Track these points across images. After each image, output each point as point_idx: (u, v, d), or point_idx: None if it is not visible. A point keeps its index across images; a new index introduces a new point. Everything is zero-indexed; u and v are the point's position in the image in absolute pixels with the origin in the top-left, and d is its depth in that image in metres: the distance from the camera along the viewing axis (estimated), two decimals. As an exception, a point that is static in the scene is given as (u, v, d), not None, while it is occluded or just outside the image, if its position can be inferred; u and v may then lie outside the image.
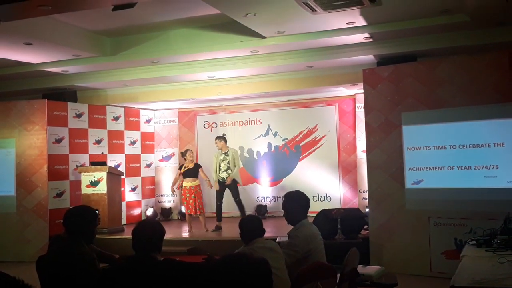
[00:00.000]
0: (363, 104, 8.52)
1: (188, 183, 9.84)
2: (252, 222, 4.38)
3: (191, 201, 9.76)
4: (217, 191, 9.92)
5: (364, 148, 8.68)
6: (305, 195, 4.76)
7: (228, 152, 9.97)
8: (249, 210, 10.87)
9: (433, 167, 7.45)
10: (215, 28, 8.42)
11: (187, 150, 10.23)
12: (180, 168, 10.06)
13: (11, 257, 9.34)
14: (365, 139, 8.29)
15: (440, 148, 7.44)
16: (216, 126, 12.47)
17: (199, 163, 10.35)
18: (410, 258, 7.45)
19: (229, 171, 9.89)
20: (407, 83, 7.80)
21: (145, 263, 3.11)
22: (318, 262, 4.26)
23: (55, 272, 3.52)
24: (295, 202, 4.71)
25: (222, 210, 9.99)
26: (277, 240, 5.15)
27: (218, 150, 10.05)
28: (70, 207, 3.90)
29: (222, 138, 10.11)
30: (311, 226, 4.71)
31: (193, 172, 9.87)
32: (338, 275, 3.87)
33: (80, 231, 3.70)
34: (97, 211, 4.03)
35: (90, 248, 3.84)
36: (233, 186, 9.90)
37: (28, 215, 9.68)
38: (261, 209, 11.56)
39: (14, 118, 9.92)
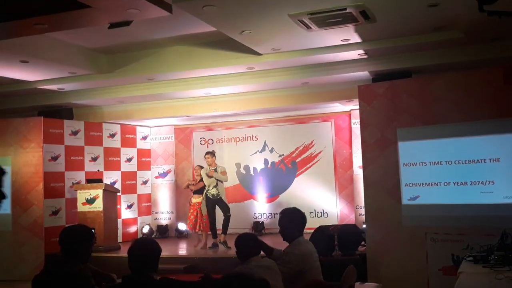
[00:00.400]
0: (358, 120, 8.53)
1: (196, 199, 10.02)
2: (248, 240, 4.36)
3: (192, 217, 9.89)
4: (208, 209, 9.74)
5: (361, 163, 8.67)
6: (301, 212, 4.74)
7: (216, 169, 9.83)
8: (246, 226, 10.84)
9: (429, 183, 7.45)
10: (211, 45, 8.45)
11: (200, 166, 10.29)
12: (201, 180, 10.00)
13: (6, 275, 9.25)
14: (361, 155, 8.29)
15: (436, 164, 7.45)
16: (212, 143, 12.46)
17: None
18: (408, 275, 7.41)
19: (218, 187, 9.73)
20: (402, 99, 7.82)
21: (142, 282, 3.09)
22: (315, 280, 4.24)
23: None
24: (291, 219, 4.69)
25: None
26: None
27: (208, 165, 9.91)
28: (66, 226, 3.86)
29: (213, 154, 10.05)
30: (307, 243, 4.69)
31: (202, 188, 9.95)
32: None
33: (76, 250, 3.66)
34: (93, 230, 4.01)
35: (86, 267, 3.81)
36: (221, 202, 9.78)
37: (23, 233, 9.61)
38: (258, 226, 11.52)
39: (10, 136, 9.89)
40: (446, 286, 6.47)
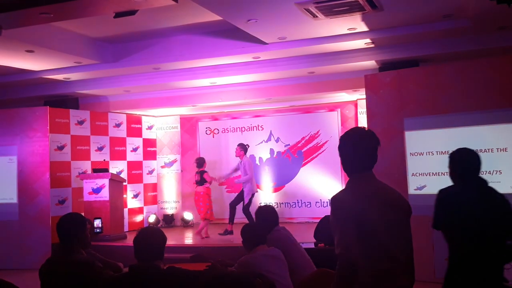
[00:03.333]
0: (365, 110, 8.50)
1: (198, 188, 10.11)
2: (254, 230, 4.37)
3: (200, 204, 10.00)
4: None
5: (367, 153, 8.63)
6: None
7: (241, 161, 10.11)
8: (252, 216, 10.83)
9: (436, 173, 7.42)
10: (216, 35, 8.42)
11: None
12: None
13: (13, 264, 9.32)
14: (367, 145, 8.24)
15: (443, 154, 7.41)
16: (218, 132, 12.46)
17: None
18: (414, 264, 7.40)
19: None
20: (409, 88, 7.78)
21: (149, 271, 3.09)
22: (322, 269, 4.24)
23: (55, 281, 3.52)
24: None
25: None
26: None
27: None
28: (59, 218, 3.89)
29: (242, 146, 10.16)
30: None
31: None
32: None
33: (72, 238, 3.72)
34: (100, 219, 4.04)
35: (91, 255, 3.83)
36: (240, 193, 10.04)
37: (30, 222, 9.66)
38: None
39: (16, 126, 9.91)
40: None
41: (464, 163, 3.71)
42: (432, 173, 7.47)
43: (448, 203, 3.52)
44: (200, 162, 10.13)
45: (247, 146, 10.26)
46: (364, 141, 2.74)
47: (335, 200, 2.60)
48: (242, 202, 9.97)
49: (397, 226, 2.60)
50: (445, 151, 7.43)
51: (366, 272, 2.48)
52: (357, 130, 2.87)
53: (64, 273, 3.52)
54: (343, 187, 2.67)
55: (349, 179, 2.75)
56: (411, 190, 7.59)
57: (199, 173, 10.00)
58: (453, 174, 3.77)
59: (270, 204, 11.54)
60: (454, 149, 3.93)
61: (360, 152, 2.73)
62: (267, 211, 4.96)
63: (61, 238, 3.75)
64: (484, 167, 3.80)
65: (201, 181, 9.94)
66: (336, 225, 2.56)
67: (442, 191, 3.64)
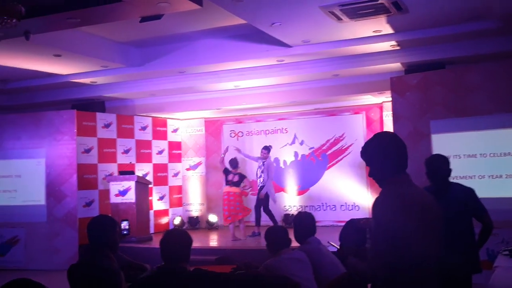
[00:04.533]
0: (390, 112, 8.43)
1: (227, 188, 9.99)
2: (277, 232, 4.36)
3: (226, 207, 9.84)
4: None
5: (392, 156, 8.57)
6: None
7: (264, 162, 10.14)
8: (276, 219, 10.81)
9: (463, 176, 7.31)
10: (241, 38, 8.45)
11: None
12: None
13: (41, 265, 9.46)
14: (393, 148, 8.17)
15: (470, 157, 7.32)
16: (242, 135, 12.48)
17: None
18: (441, 269, 7.30)
19: (261, 179, 10.06)
20: (435, 91, 7.70)
21: (175, 273, 3.11)
22: (348, 273, 4.21)
23: (82, 283, 3.55)
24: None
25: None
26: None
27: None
28: (91, 219, 3.92)
29: (266, 148, 10.27)
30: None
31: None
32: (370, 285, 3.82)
33: (102, 241, 3.72)
34: (126, 221, 4.07)
35: (119, 258, 3.85)
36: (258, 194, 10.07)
37: (57, 224, 9.80)
38: (289, 218, 11.49)
39: (44, 129, 10.07)
40: (481, 280, 6.36)
41: (430, 167, 4.42)
42: (460, 176, 7.34)
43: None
44: (236, 163, 10.12)
45: (270, 147, 10.34)
46: (400, 141, 2.74)
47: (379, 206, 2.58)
48: (260, 202, 9.99)
49: (434, 232, 2.57)
50: (473, 154, 7.33)
51: (395, 279, 2.46)
52: (388, 133, 2.90)
53: (90, 277, 3.54)
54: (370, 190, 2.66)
55: (389, 182, 2.71)
56: (438, 193, 7.50)
57: (237, 174, 9.97)
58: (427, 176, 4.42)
59: (307, 211, 11.50)
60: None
61: (401, 151, 2.73)
62: (305, 220, 4.85)
63: (91, 241, 3.76)
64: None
65: (238, 182, 9.92)
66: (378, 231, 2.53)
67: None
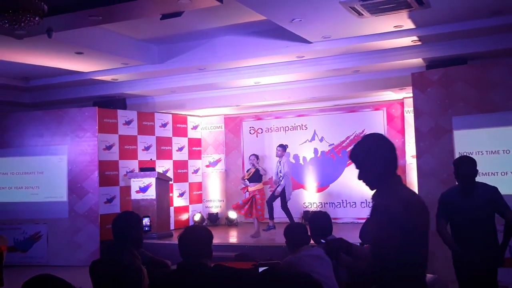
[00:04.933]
0: (412, 109, 8.37)
1: (252, 187, 10.10)
2: (297, 229, 4.36)
3: (246, 205, 9.95)
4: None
5: (414, 153, 8.52)
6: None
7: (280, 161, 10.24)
8: (296, 216, 10.79)
9: (486, 173, 7.22)
10: (260, 34, 8.43)
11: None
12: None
13: (63, 261, 9.58)
14: (414, 144, 8.12)
15: (493, 153, 7.22)
16: (261, 132, 12.48)
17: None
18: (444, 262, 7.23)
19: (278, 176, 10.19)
20: (457, 86, 7.61)
21: (196, 269, 3.11)
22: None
23: (105, 279, 3.57)
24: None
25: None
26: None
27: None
28: (116, 214, 3.95)
29: (282, 146, 10.39)
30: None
31: (257, 176, 10.13)
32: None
33: (127, 237, 3.74)
34: (148, 217, 4.09)
35: (141, 254, 3.87)
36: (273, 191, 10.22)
37: (79, 220, 9.91)
38: (308, 215, 11.48)
39: (66, 126, 10.19)
40: (504, 278, 6.27)
41: (456, 168, 4.65)
42: (482, 173, 7.26)
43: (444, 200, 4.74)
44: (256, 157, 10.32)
45: (286, 146, 10.45)
46: (391, 143, 2.80)
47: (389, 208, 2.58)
48: (275, 199, 10.08)
49: (428, 231, 2.70)
50: (495, 151, 7.24)
51: (396, 277, 2.55)
52: (379, 134, 2.91)
53: (113, 274, 3.56)
54: (388, 192, 2.64)
55: (386, 183, 2.72)
56: (460, 190, 7.41)
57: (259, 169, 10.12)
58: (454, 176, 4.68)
59: (318, 208, 11.48)
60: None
61: (394, 153, 2.75)
62: (321, 220, 4.87)
63: (115, 237, 3.79)
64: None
65: (260, 178, 10.07)
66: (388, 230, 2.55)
67: (443, 192, 4.82)
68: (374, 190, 2.75)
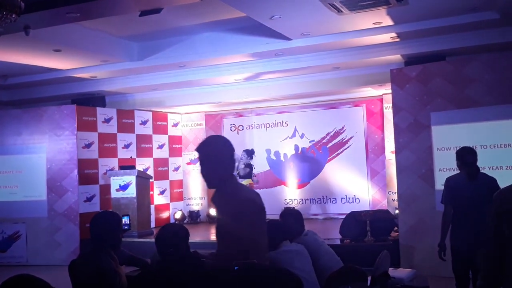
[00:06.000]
0: (391, 105, 8.43)
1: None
2: (276, 226, 4.36)
3: None
4: None
5: (393, 149, 8.59)
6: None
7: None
8: (277, 212, 10.81)
9: (463, 168, 7.32)
10: (240, 31, 8.43)
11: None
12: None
13: (43, 261, 9.49)
14: (393, 140, 8.20)
15: (471, 148, 7.31)
16: (242, 129, 12.48)
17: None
18: (442, 261, 7.32)
19: None
20: (435, 82, 7.69)
21: (174, 267, 3.11)
22: (349, 265, 4.22)
23: (81, 281, 3.53)
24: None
25: None
26: None
27: None
28: (95, 214, 3.87)
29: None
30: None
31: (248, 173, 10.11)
32: (369, 278, 3.83)
33: (105, 238, 3.64)
34: (127, 216, 4.06)
35: (119, 253, 3.82)
36: None
37: (59, 219, 9.82)
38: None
39: (45, 124, 10.08)
40: (481, 272, 6.36)
41: (461, 157, 5.13)
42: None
43: (451, 184, 5.13)
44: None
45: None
46: (232, 146, 3.10)
47: None
48: None
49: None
50: (473, 146, 7.32)
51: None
52: (222, 137, 3.24)
53: (89, 275, 3.49)
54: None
55: (225, 185, 3.04)
56: (438, 185, 7.50)
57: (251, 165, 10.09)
58: (457, 165, 5.18)
59: (299, 204, 11.52)
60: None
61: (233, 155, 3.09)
62: (295, 215, 4.89)
63: (93, 237, 3.69)
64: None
65: (250, 174, 10.03)
66: None
67: (448, 178, 5.25)
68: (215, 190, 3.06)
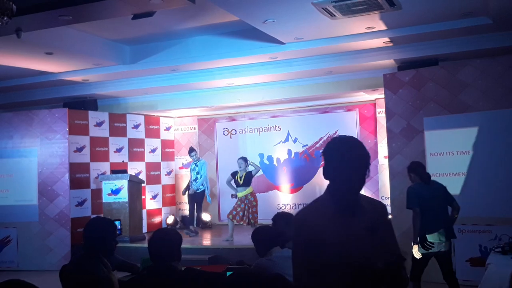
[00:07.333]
0: (384, 109, 8.44)
1: (241, 192, 9.75)
2: (266, 233, 4.32)
3: (239, 209, 9.63)
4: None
5: (386, 153, 8.59)
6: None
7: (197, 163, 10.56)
8: (270, 217, 10.75)
9: (456, 173, 7.33)
10: (233, 35, 8.41)
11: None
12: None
13: (34, 265, 9.41)
14: (386, 145, 8.20)
15: (464, 154, 7.33)
16: (235, 133, 12.45)
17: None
18: (435, 266, 7.31)
19: (198, 181, 10.50)
20: (428, 87, 7.70)
21: (166, 273, 3.08)
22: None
23: (72, 284, 3.48)
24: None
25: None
26: None
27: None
28: (90, 219, 3.78)
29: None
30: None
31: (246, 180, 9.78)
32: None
33: (98, 245, 3.57)
34: (118, 221, 4.00)
35: (112, 258, 3.76)
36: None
37: (50, 224, 9.75)
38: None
39: (36, 127, 10.02)
40: (474, 277, 6.37)
41: (415, 170, 6.17)
42: (453, 173, 7.38)
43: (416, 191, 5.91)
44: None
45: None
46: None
47: None
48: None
49: None
50: (466, 151, 7.34)
51: None
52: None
53: (80, 283, 3.43)
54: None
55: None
56: (431, 190, 7.50)
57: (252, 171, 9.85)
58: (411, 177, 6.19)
59: (292, 209, 11.49)
60: None
61: None
62: (288, 219, 4.82)
63: (86, 243, 3.60)
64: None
65: (250, 181, 9.80)
66: None
67: (410, 186, 6.03)
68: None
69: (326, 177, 2.45)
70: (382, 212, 2.52)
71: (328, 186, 2.44)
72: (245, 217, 9.55)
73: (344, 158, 2.37)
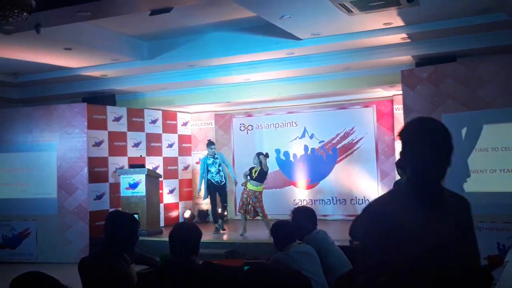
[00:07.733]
0: (401, 106, 8.38)
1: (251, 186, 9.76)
2: (285, 227, 4.35)
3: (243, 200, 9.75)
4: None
5: (403, 150, 8.55)
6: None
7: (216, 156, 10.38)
8: (286, 213, 10.79)
9: (474, 170, 7.27)
10: (250, 31, 8.43)
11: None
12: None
13: (53, 258, 9.52)
14: (403, 142, 8.15)
15: (482, 151, 7.26)
16: (252, 129, 12.47)
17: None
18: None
19: (221, 173, 10.27)
20: (447, 84, 7.64)
21: (184, 266, 3.11)
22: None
23: (92, 281, 3.52)
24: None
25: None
26: None
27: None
28: (112, 211, 3.81)
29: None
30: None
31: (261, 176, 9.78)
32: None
33: (122, 240, 3.62)
34: (136, 215, 4.02)
35: (128, 252, 3.78)
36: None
37: (69, 217, 9.85)
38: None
39: (55, 122, 10.12)
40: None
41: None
42: (471, 170, 7.32)
43: None
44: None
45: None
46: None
47: None
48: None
49: None
50: (485, 148, 7.27)
51: None
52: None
53: (99, 276, 3.48)
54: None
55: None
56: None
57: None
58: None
59: (308, 205, 11.46)
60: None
61: None
62: (307, 213, 4.88)
63: (107, 238, 3.63)
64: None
65: (263, 179, 9.78)
66: None
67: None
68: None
69: (404, 164, 2.12)
70: (467, 209, 2.17)
71: (407, 175, 2.12)
72: (249, 211, 9.63)
73: (426, 141, 2.07)
